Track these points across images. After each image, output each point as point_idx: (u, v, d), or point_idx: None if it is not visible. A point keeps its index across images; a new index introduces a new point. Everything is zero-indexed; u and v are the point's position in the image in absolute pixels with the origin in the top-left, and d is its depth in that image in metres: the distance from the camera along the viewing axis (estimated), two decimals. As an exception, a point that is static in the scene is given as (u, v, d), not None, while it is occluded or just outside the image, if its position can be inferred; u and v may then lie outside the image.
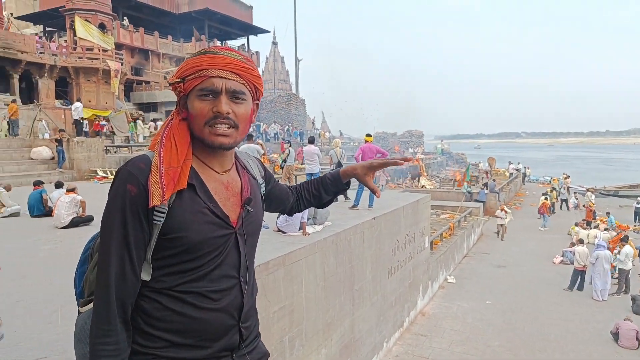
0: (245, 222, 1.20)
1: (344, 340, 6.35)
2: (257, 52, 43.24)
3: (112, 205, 1.07)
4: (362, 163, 1.45)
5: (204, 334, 1.11)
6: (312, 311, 5.35)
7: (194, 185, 1.11)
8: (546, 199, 21.68)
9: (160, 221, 1.07)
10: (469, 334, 9.02)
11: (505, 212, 17.93)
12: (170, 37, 35.94)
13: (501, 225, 17.75)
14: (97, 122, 18.93)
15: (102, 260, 1.07)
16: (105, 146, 18.10)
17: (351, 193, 9.26)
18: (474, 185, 26.09)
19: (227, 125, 1.12)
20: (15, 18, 32.30)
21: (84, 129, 23.03)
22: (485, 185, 24.35)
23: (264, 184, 1.38)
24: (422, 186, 29.22)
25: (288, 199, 1.53)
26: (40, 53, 22.80)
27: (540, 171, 50.87)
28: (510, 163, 37.36)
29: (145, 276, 1.09)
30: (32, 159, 16.00)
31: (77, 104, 18.56)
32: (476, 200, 22.04)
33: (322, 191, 1.50)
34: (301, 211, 1.59)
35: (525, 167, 41.36)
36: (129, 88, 31.07)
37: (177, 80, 1.14)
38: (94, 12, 25.04)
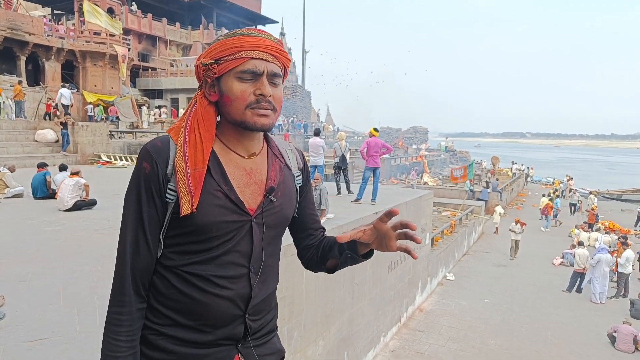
0: (265, 212, 1.15)
1: (342, 332, 6.38)
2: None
3: (131, 182, 1.10)
4: (358, 231, 1.15)
5: (205, 318, 1.10)
6: (311, 303, 5.37)
7: (209, 168, 1.09)
8: (550, 199, 21.65)
9: (172, 200, 1.07)
10: (466, 332, 9.05)
11: (522, 225, 15.55)
12: (178, 24, 35.81)
13: (515, 240, 15.34)
14: (48, 104, 18.68)
15: (121, 235, 1.11)
16: (110, 131, 18.12)
17: (354, 187, 9.27)
18: (477, 183, 26.06)
19: (269, 108, 1.10)
20: (24, 0, 32.22)
21: (88, 114, 23.10)
22: (488, 184, 24.32)
23: (300, 177, 1.30)
24: (425, 183, 29.21)
25: (308, 232, 1.33)
26: (48, 36, 22.74)
27: (543, 172, 50.77)
28: (513, 163, 37.26)
29: (157, 252, 1.11)
30: (36, 141, 16.04)
31: (63, 90, 18.52)
32: (478, 199, 22.03)
33: (335, 248, 1.25)
34: (309, 266, 1.37)
35: (528, 168, 41.28)
36: (135, 74, 30.99)
37: (212, 61, 1.10)
38: (102, -4, 24.94)
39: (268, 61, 1.09)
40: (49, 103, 18.40)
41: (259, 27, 43.82)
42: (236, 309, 1.12)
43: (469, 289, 11.69)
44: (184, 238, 1.09)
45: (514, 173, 33.41)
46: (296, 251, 1.37)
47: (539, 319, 10.00)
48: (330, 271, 1.32)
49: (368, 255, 1.21)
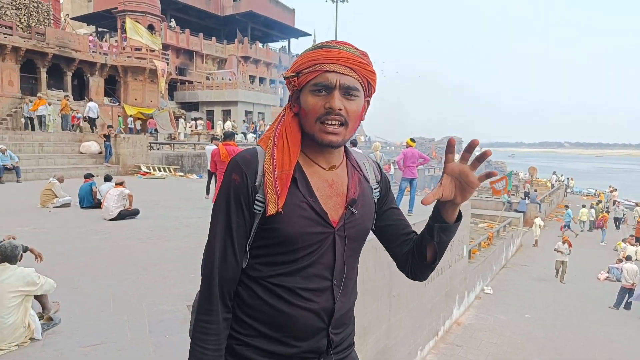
0: (347, 224, 1.15)
1: (379, 345, 6.30)
2: (297, 55, 43.70)
3: (220, 193, 1.13)
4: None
5: (290, 330, 1.11)
6: (349, 314, 5.35)
7: (296, 179, 1.11)
8: (607, 212, 20.73)
9: (260, 210, 1.09)
10: (506, 348, 8.76)
11: (570, 245, 14.14)
12: (214, 38, 36.83)
13: (562, 262, 13.76)
14: (73, 115, 19.45)
15: (209, 244, 1.13)
16: (149, 143, 18.73)
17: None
18: (514, 195, 25.35)
19: (337, 122, 1.09)
20: (71, 19, 33.96)
21: (129, 126, 23.99)
22: (527, 194, 23.61)
23: (378, 190, 1.28)
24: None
25: (402, 239, 1.27)
26: (93, 52, 23.87)
27: (583, 183, 48.82)
28: (554, 173, 36.03)
29: (243, 263, 1.14)
30: (81, 152, 16.76)
31: (91, 104, 19.35)
32: (516, 210, 21.41)
33: (426, 233, 1.17)
34: (415, 275, 1.27)
35: (568, 179, 39.85)
36: (172, 87, 32.02)
37: (292, 74, 1.13)
38: (143, 14, 26.02)
39: (342, 74, 1.08)
40: (73, 115, 19.20)
41: (292, 40, 44.55)
42: (320, 322, 1.12)
43: (509, 303, 11.33)
44: (270, 249, 1.12)
45: (553, 184, 32.32)
46: (396, 264, 1.30)
47: (584, 336, 9.58)
48: (434, 263, 1.21)
49: (458, 218, 1.13)
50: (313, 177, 1.14)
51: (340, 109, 1.08)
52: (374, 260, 5.77)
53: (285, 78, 1.15)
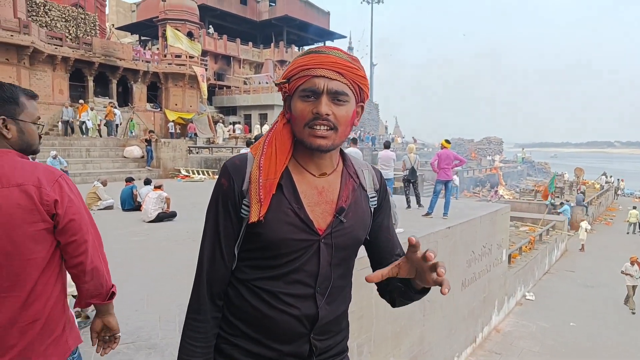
0: (335, 233, 1.13)
1: (413, 351, 6.18)
2: (332, 58, 43.78)
3: (211, 197, 1.17)
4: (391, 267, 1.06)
5: (271, 333, 1.13)
6: (381, 318, 5.28)
7: (282, 185, 1.12)
8: None
9: (247, 215, 1.11)
10: (549, 357, 8.40)
11: None
12: (250, 43, 37.52)
13: (633, 287, 11.52)
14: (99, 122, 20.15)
15: (200, 246, 1.17)
16: (189, 147, 19.27)
17: (425, 200, 9.05)
18: (558, 197, 24.34)
19: (326, 127, 1.08)
20: (116, 29, 35.53)
21: (169, 131, 24.75)
22: (581, 196, 22.53)
23: (376, 199, 1.25)
24: (501, 196, 27.80)
25: (386, 260, 1.23)
26: (136, 60, 24.84)
27: (636, 184, 46.19)
28: (603, 174, 34.30)
29: (232, 265, 1.17)
30: (124, 157, 17.45)
31: (115, 110, 20.12)
32: (560, 213, 20.54)
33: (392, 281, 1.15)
34: (383, 296, 1.25)
35: (618, 180, 37.84)
36: (211, 92, 32.82)
37: (283, 80, 1.14)
38: (183, 22, 26.86)
39: (331, 78, 1.07)
40: (99, 122, 19.94)
41: (328, 42, 44.69)
42: (302, 327, 1.13)
43: (552, 310, 10.86)
44: (255, 253, 1.14)
45: (603, 186, 30.79)
46: (367, 265, 1.30)
47: (635, 346, 9.04)
48: (392, 304, 1.22)
49: (423, 290, 1.09)
50: (302, 183, 1.14)
51: (327, 114, 1.07)
52: (406, 263, 5.67)
53: (276, 84, 1.16)
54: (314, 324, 1.13)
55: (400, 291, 1.15)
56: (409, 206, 8.94)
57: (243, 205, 1.12)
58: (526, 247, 13.20)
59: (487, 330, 9.11)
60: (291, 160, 1.15)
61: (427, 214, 7.93)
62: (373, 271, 1.19)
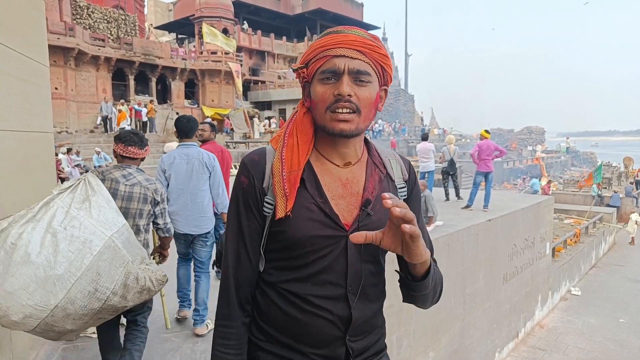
0: (362, 227, 1.04)
1: (453, 345, 6.11)
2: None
3: (231, 196, 1.11)
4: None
5: (303, 337, 1.06)
6: (420, 312, 5.23)
7: (304, 179, 1.04)
8: None
9: (269, 213, 1.05)
10: (597, 354, 8.08)
11: None
12: (284, 38, 37.68)
13: None
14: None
15: (225, 248, 1.11)
16: (226, 142, 19.62)
17: (464, 192, 8.87)
18: (606, 188, 23.25)
19: (348, 110, 1.00)
20: (154, 28, 36.54)
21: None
22: (637, 185, 21.45)
23: (405, 189, 1.16)
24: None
25: None
26: (173, 58, 25.49)
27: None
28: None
29: (260, 266, 1.10)
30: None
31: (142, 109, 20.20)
32: (608, 205, 19.63)
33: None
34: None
35: (672, 169, 35.73)
36: (246, 88, 33.26)
37: (301, 65, 1.06)
38: (218, 19, 27.31)
39: (351, 57, 1.00)
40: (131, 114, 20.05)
41: (361, 34, 44.26)
42: (336, 330, 1.06)
43: (600, 306, 10.43)
44: (280, 253, 1.07)
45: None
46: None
47: (691, 345, 8.56)
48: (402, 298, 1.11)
49: (424, 277, 0.99)
50: (324, 175, 1.07)
51: (350, 95, 1.00)
52: (446, 257, 5.60)
53: (294, 71, 1.10)
54: (348, 326, 1.06)
55: (403, 281, 1.06)
56: (447, 199, 8.79)
57: (265, 203, 1.06)
58: (571, 240, 12.70)
59: (530, 326, 8.87)
60: (313, 151, 1.09)
61: (467, 206, 7.78)
62: (400, 267, 1.10)
